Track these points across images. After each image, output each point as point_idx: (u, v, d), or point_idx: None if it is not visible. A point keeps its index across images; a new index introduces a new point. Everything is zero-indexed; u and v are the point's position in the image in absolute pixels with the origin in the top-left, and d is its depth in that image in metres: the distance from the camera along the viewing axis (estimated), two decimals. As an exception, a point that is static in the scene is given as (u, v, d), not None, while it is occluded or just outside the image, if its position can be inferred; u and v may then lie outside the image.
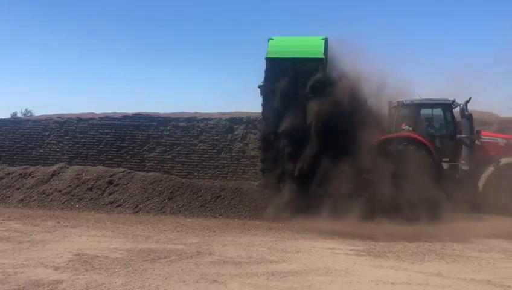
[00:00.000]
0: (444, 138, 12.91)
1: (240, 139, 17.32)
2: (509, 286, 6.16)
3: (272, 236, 9.53)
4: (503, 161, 12.34)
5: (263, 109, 12.80)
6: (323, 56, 12.25)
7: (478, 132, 12.62)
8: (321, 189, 11.45)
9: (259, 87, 13.47)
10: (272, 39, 12.81)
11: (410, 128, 12.85)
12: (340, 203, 10.95)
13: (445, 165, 12.44)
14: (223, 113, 18.24)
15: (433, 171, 11.84)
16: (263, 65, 12.40)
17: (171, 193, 12.83)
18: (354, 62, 12.48)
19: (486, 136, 12.87)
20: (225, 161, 17.17)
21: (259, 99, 12.69)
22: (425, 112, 13.21)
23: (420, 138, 12.47)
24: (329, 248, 8.42)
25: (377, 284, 6.16)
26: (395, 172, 11.48)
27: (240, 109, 18.78)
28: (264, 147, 12.77)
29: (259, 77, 12.65)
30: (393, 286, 6.13)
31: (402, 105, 13.23)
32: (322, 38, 12.55)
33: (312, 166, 11.66)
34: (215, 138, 17.40)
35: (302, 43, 12.78)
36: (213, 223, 11.03)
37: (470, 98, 12.34)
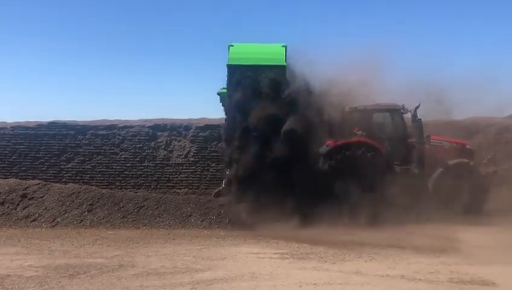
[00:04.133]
0: (395, 142, 13.36)
1: (164, 146, 17.06)
2: (420, 279, 6.58)
3: (197, 244, 9.44)
4: (451, 162, 13.08)
5: (226, 116, 12.86)
6: (285, 63, 12.37)
7: (428, 137, 13.30)
8: (270, 194, 11.54)
9: (218, 94, 13.41)
10: (232, 46, 12.72)
11: (364, 133, 13.20)
12: (297, 208, 11.29)
13: (397, 169, 12.89)
14: (146, 120, 17.86)
15: (386, 175, 12.25)
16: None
17: (90, 204, 12.30)
18: (311, 68, 12.78)
19: (435, 140, 13.56)
20: (149, 170, 16.81)
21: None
22: (377, 117, 13.65)
23: (373, 142, 12.86)
24: (254, 253, 8.50)
25: (300, 286, 6.30)
26: (349, 176, 11.96)
27: (163, 115, 18.53)
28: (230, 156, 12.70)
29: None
30: (316, 286, 6.30)
31: (355, 110, 13.59)
32: (282, 46, 12.65)
33: (258, 170, 11.77)
34: (138, 145, 16.99)
35: (264, 50, 12.83)
36: (136, 234, 10.72)
37: (420, 104, 12.87)
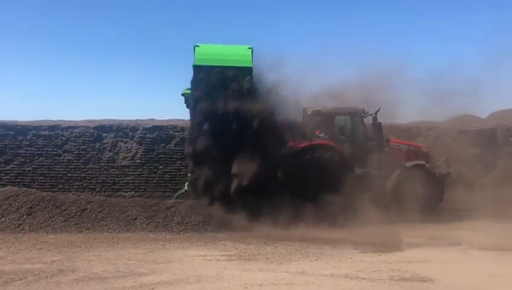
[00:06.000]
0: (356, 144, 13.62)
1: (109, 148, 16.58)
2: (363, 278, 6.76)
3: (142, 248, 9.20)
4: (408, 164, 13.53)
5: (191, 117, 12.69)
6: (252, 65, 12.27)
7: (387, 140, 13.71)
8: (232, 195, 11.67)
9: (182, 95, 13.14)
10: (198, 46, 12.45)
11: (326, 136, 13.38)
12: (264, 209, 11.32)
13: (358, 171, 13.12)
14: (90, 121, 17.31)
15: (347, 177, 12.40)
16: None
17: (30, 208, 11.71)
18: (275, 71, 12.77)
19: (394, 143, 14.00)
20: (93, 172, 16.28)
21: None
22: (338, 120, 13.83)
23: (335, 145, 13.05)
24: (200, 256, 8.41)
25: (246, 288, 6.31)
26: (311, 178, 12.14)
27: (109, 116, 18.03)
28: (194, 156, 12.48)
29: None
30: (261, 287, 6.33)
31: (317, 113, 13.73)
32: (249, 48, 12.52)
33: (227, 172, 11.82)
34: (82, 147, 16.42)
35: (230, 52, 12.66)
36: (78, 238, 10.31)
37: (380, 108, 13.22)
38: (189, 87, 12.66)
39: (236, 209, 11.50)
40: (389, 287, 6.36)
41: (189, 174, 13.39)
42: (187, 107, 13.29)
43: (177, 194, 13.88)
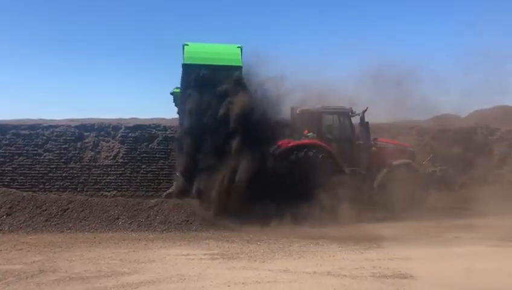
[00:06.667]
0: (344, 144, 13.71)
1: (91, 147, 16.41)
2: (345, 275, 6.82)
3: (124, 248, 9.13)
4: (395, 162, 13.67)
5: (180, 116, 12.68)
6: (241, 64, 12.23)
7: (375, 139, 13.87)
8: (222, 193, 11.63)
9: (171, 93, 13.05)
10: (187, 45, 12.40)
11: (314, 135, 13.42)
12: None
13: (345, 170, 13.19)
14: (72, 120, 17.10)
15: (336, 176, 12.51)
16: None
17: (9, 208, 11.53)
18: (264, 70, 12.82)
19: (381, 142, 14.16)
20: (75, 171, 16.08)
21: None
22: (326, 119, 13.89)
23: (324, 144, 13.10)
24: (183, 255, 8.38)
25: (229, 286, 6.31)
26: (300, 177, 12.21)
27: (91, 115, 17.84)
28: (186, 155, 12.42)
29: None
30: (244, 285, 6.33)
31: (305, 112, 13.79)
32: (238, 47, 12.50)
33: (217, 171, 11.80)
34: (63, 146, 16.22)
35: (220, 51, 12.65)
36: (59, 238, 10.19)
37: (367, 108, 13.32)
38: (178, 86, 12.62)
39: (221, 207, 11.49)
40: (371, 284, 6.43)
41: (177, 174, 13.36)
42: (176, 105, 13.25)
43: (165, 193, 13.80)
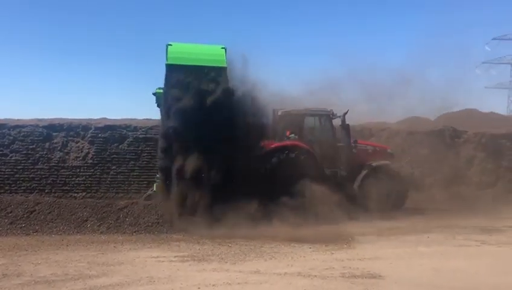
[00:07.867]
0: (325, 145, 13.78)
1: (60, 148, 16.02)
2: (315, 276, 6.87)
3: (93, 250, 8.95)
4: (374, 164, 13.88)
5: (162, 116, 12.41)
6: (226, 65, 12.06)
7: (355, 141, 14.05)
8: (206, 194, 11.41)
9: (154, 94, 12.83)
10: (171, 45, 12.16)
11: (296, 137, 13.50)
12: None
13: (327, 171, 13.33)
14: (40, 120, 16.68)
15: (317, 177, 12.51)
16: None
17: (-28, 210, 11.19)
18: (248, 71, 12.65)
19: (361, 144, 14.37)
20: (43, 172, 15.67)
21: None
22: (308, 121, 14.03)
23: (305, 145, 13.17)
24: (153, 257, 8.27)
25: (199, 288, 6.27)
26: (281, 179, 12.26)
27: (59, 115, 17.45)
28: (164, 156, 12.17)
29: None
30: (215, 287, 6.31)
31: (287, 114, 13.84)
32: (222, 48, 12.34)
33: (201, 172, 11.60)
34: (31, 147, 15.79)
35: (204, 51, 12.47)
36: (25, 241, 9.91)
37: (348, 110, 13.45)
38: (161, 86, 12.45)
39: (193, 209, 11.36)
40: (340, 284, 6.49)
41: (157, 175, 13.16)
42: (158, 106, 13.09)
43: (145, 195, 13.61)
